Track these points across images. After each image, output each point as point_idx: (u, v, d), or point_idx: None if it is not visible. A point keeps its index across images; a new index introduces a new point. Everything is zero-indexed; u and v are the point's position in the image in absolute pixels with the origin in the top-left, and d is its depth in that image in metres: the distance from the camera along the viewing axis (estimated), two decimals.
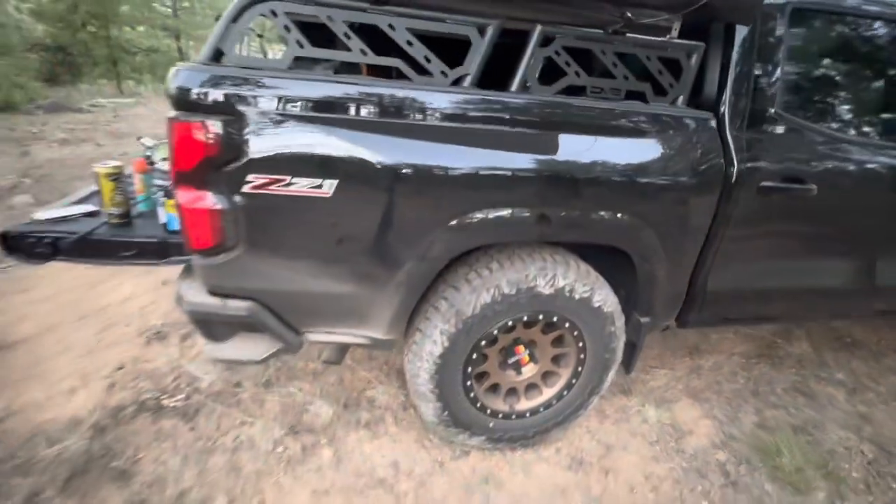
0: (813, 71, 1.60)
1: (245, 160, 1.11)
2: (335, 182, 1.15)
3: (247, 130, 1.10)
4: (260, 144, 1.11)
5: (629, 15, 1.31)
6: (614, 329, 1.55)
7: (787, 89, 1.51)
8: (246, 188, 1.13)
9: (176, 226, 1.39)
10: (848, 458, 1.80)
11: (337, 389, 1.94)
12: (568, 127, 1.28)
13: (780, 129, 1.49)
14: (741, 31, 1.41)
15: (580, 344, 1.54)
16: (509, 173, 1.24)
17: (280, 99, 1.11)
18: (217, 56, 1.13)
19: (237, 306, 1.27)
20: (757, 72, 1.44)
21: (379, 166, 1.16)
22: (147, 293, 2.60)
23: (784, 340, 2.61)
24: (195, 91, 1.08)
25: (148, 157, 1.58)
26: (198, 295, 1.29)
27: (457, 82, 1.25)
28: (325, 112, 1.14)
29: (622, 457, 1.71)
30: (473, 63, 1.24)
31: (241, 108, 1.10)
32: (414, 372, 1.46)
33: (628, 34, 1.33)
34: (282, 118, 1.11)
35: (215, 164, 1.11)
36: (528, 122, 1.26)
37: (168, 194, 1.38)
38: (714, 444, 1.81)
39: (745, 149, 1.44)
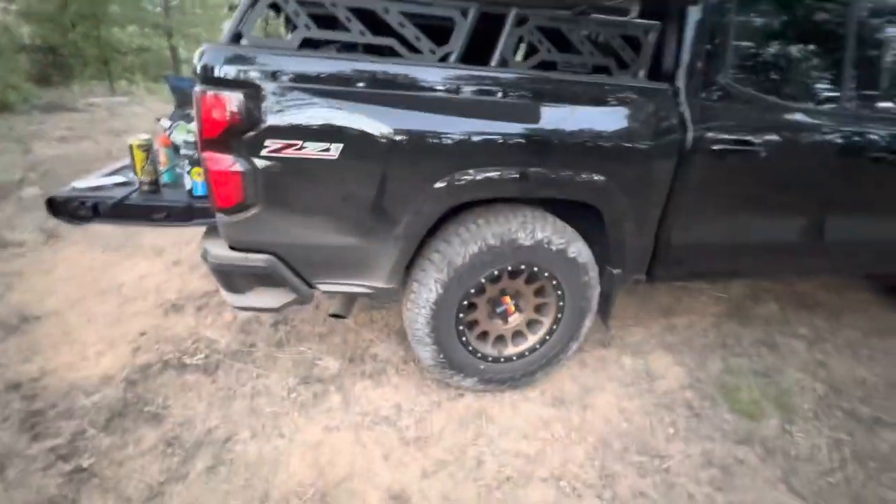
0: (757, 45, 1.79)
1: (263, 127, 1.30)
2: (340, 146, 1.34)
3: (264, 102, 1.29)
4: (276, 114, 1.29)
5: None
6: (588, 279, 1.74)
7: (735, 62, 1.70)
8: (264, 152, 1.32)
9: (201, 191, 1.57)
10: (801, 395, 2.02)
11: (342, 348, 2.13)
12: (543, 97, 1.48)
13: (729, 98, 1.69)
14: (693, 11, 1.61)
15: (559, 293, 1.74)
16: (493, 138, 1.43)
17: (292, 74, 1.30)
18: (237, 38, 1.31)
19: (256, 259, 1.46)
20: (708, 47, 1.63)
21: (378, 132, 1.34)
22: (160, 272, 2.77)
23: (753, 302, 2.83)
24: (218, 68, 1.26)
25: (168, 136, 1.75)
26: (221, 250, 1.48)
27: (444, 59, 1.44)
28: (331, 85, 1.32)
29: (599, 396, 1.92)
30: (458, 41, 1.43)
31: (259, 82, 1.28)
32: (412, 318, 1.66)
33: (593, 15, 1.52)
34: (294, 91, 1.30)
35: (237, 132, 1.29)
36: (508, 92, 1.45)
37: (194, 163, 1.56)
38: (682, 385, 2.02)
39: (699, 116, 1.64)
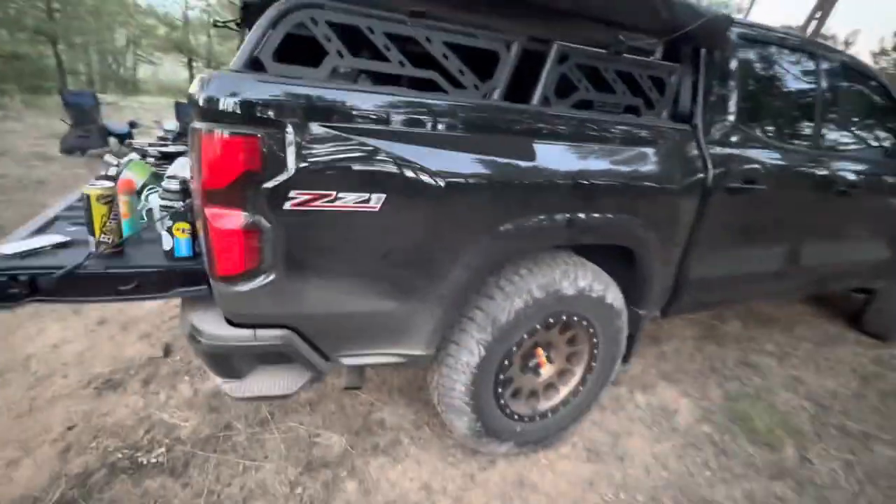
0: (764, 91, 1.90)
1: (287, 176, 1.03)
2: (383, 196, 1.11)
3: (289, 143, 1.02)
4: (304, 158, 1.03)
5: (622, 37, 1.47)
6: (621, 323, 1.67)
7: (744, 106, 1.77)
8: (288, 205, 1.05)
9: (184, 251, 1.22)
10: (797, 415, 2.12)
11: (341, 417, 1.82)
12: (591, 139, 1.38)
13: (738, 139, 1.75)
14: (709, 57, 1.64)
15: (594, 340, 1.63)
16: (544, 181, 1.29)
17: (325, 110, 1.05)
18: (253, 64, 1.04)
19: (270, 336, 1.16)
20: (722, 91, 1.67)
21: (427, 178, 1.14)
22: (80, 337, 2.22)
23: (719, 322, 3.00)
24: (230, 101, 0.98)
25: (114, 177, 1.36)
26: (220, 327, 1.15)
27: (486, 96, 1.29)
28: (372, 124, 1.10)
29: (629, 442, 1.83)
30: (502, 76, 1.28)
31: (283, 119, 1.02)
32: (449, 386, 1.44)
33: (624, 55, 1.48)
34: (326, 130, 1.05)
35: (254, 181, 1.01)
36: (558, 134, 1.33)
37: (176, 217, 1.20)
38: (697, 419, 2.02)
39: (715, 156, 1.66)
